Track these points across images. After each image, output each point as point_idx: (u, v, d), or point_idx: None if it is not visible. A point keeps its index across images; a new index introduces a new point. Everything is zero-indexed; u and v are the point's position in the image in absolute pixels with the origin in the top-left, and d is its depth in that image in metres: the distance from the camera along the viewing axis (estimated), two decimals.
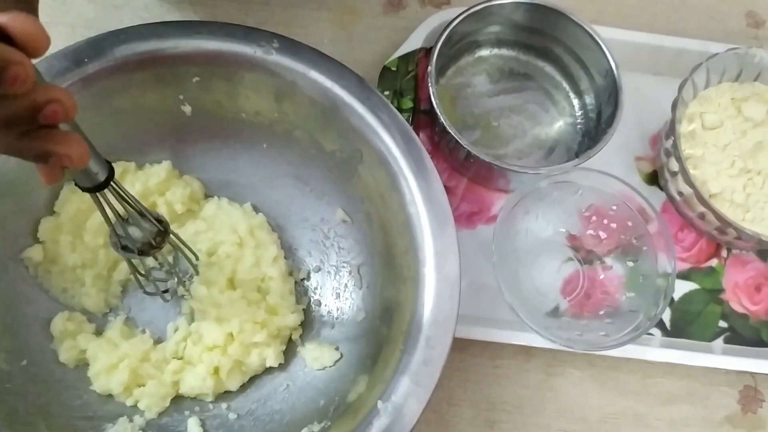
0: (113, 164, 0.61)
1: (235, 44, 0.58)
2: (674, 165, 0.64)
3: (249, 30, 0.58)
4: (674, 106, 0.63)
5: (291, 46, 0.58)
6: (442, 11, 0.71)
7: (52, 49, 0.57)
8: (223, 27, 0.59)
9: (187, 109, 0.61)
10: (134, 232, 0.50)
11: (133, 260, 0.55)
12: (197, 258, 0.57)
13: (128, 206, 0.49)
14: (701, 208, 0.62)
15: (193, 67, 0.59)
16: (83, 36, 0.60)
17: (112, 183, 0.45)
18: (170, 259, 0.61)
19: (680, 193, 0.65)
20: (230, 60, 0.58)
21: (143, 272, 0.56)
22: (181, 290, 0.60)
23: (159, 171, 0.62)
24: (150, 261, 0.58)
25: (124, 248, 0.50)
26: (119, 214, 0.49)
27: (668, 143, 0.64)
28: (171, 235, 0.54)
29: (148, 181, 0.61)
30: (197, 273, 0.58)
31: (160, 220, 0.51)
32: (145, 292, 0.59)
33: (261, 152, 0.64)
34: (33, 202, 0.59)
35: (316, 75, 0.58)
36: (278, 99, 0.59)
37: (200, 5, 0.72)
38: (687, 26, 0.78)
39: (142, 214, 0.50)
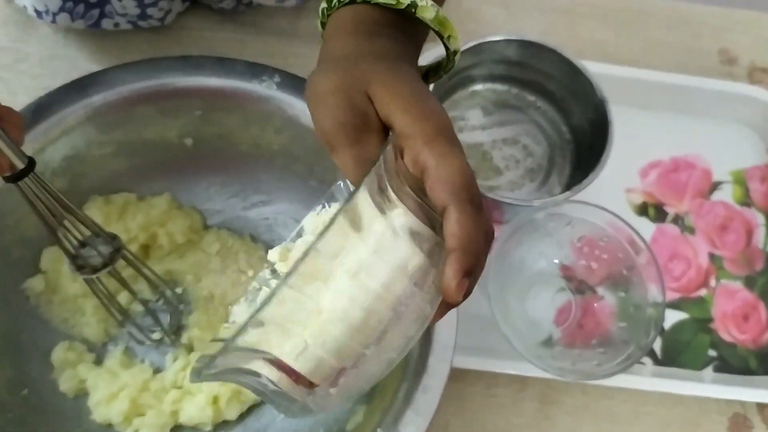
0: (116, 195, 0.63)
1: (237, 80, 0.59)
2: None
3: (251, 65, 0.60)
4: None
5: (292, 81, 0.59)
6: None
7: (57, 82, 0.59)
8: (226, 62, 0.60)
9: (188, 141, 0.62)
10: (88, 252, 0.51)
11: (117, 307, 0.56)
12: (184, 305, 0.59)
13: (65, 213, 0.49)
14: None
15: (196, 100, 0.60)
16: (86, 69, 0.61)
17: (37, 177, 0.47)
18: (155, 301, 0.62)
19: None
20: (233, 95, 0.59)
21: (128, 315, 0.58)
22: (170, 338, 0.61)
23: (160, 202, 0.62)
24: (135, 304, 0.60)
25: (80, 268, 0.51)
26: (73, 235, 0.50)
27: None
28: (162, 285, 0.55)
29: (149, 213, 0.61)
30: (181, 325, 0.59)
31: (113, 236, 0.52)
32: (136, 341, 0.60)
33: (260, 184, 0.65)
34: (35, 233, 0.59)
35: None
36: (278, 132, 0.61)
37: (200, 39, 0.74)
38: (663, 63, 0.79)
39: (97, 234, 0.51)
